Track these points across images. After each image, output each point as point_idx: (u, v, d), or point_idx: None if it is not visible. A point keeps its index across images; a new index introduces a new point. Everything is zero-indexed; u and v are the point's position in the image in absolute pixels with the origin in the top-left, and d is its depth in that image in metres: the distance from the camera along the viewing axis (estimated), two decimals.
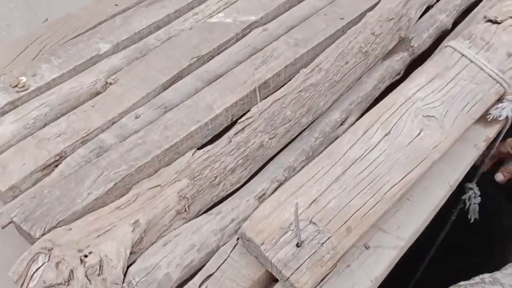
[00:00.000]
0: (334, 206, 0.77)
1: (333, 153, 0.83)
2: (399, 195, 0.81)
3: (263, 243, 0.73)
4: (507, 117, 0.98)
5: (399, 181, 0.81)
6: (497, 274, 0.84)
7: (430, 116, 0.88)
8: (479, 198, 1.08)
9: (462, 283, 0.84)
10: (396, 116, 0.88)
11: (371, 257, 0.81)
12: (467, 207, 1.08)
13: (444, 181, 0.92)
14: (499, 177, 1.07)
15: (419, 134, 0.86)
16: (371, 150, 0.84)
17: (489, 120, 0.98)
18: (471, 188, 1.08)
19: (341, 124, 1.01)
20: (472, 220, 1.09)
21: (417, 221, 0.86)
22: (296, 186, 0.80)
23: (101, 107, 0.94)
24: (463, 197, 1.08)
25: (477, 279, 0.84)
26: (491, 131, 0.99)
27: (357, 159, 0.82)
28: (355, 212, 0.77)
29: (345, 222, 0.76)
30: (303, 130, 0.98)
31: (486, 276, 0.84)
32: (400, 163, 0.83)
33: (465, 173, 0.94)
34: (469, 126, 0.91)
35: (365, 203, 0.78)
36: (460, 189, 1.09)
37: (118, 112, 0.94)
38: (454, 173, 0.93)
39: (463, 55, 0.97)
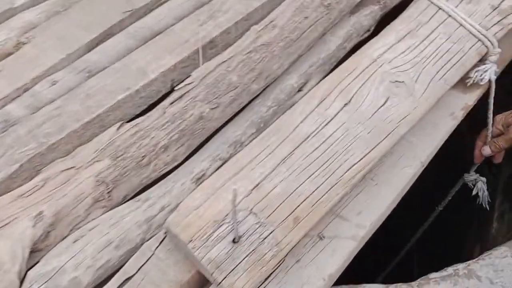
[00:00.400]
0: (279, 193, 0.65)
1: (282, 128, 0.70)
2: (359, 178, 0.68)
3: (192, 239, 0.60)
4: (489, 82, 0.85)
5: (359, 161, 0.69)
6: (473, 265, 0.73)
7: (399, 82, 0.75)
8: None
9: (432, 275, 0.73)
10: (358, 82, 0.74)
11: (326, 249, 0.69)
12: (480, 200, 0.98)
13: (414, 158, 0.79)
14: (486, 150, 0.94)
15: (384, 103, 0.73)
16: (327, 124, 0.71)
17: (468, 85, 0.85)
18: (476, 179, 0.97)
19: (298, 91, 0.87)
20: (488, 208, 0.99)
21: (381, 206, 0.74)
22: (235, 168, 0.67)
23: (10, 71, 0.79)
24: (474, 193, 0.98)
25: (449, 270, 0.73)
26: (471, 98, 0.86)
27: (310, 135, 0.69)
28: (305, 200, 0.65)
29: (293, 212, 0.64)
30: (253, 99, 0.84)
31: (461, 267, 0.73)
32: (361, 139, 0.70)
33: (439, 147, 0.82)
34: (444, 94, 0.78)
35: (317, 188, 0.66)
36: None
37: (30, 77, 0.79)
38: (426, 147, 0.80)
39: (440, 8, 0.82)
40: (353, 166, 0.68)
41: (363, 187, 0.75)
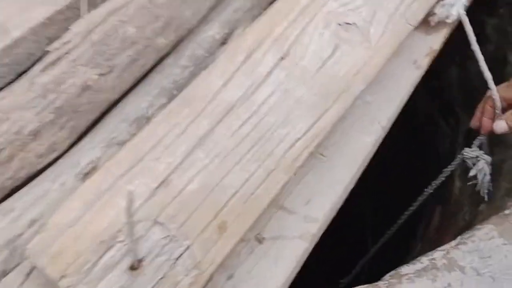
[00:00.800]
0: (197, 189, 0.46)
1: (196, 97, 0.51)
2: (305, 157, 0.50)
3: (65, 274, 0.41)
4: (457, 19, 0.68)
5: (304, 134, 0.51)
6: (453, 253, 0.57)
7: (349, 24, 0.57)
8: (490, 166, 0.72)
9: (404, 270, 0.57)
10: (296, 28, 0.56)
11: (267, 256, 0.52)
12: (479, 186, 0.72)
13: (372, 121, 0.63)
14: (501, 126, 0.69)
15: (332, 54, 0.56)
16: (258, 87, 0.52)
17: (432, 24, 0.68)
18: (478, 157, 0.71)
19: (222, 44, 0.68)
20: (486, 199, 0.75)
21: (336, 188, 0.57)
22: (130, 159, 0.47)
23: None
24: (472, 173, 0.72)
25: (425, 261, 0.58)
26: (436, 40, 0.70)
27: (235, 104, 0.51)
28: (233, 196, 0.47)
29: (217, 215, 0.46)
30: (162, 58, 0.64)
31: (438, 256, 0.58)
32: (305, 104, 0.52)
33: (402, 105, 0.65)
34: (406, 36, 0.61)
35: (249, 177, 0.48)
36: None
37: None
38: (386, 107, 0.64)
39: None
40: (296, 142, 0.50)
41: (311, 166, 0.57)
